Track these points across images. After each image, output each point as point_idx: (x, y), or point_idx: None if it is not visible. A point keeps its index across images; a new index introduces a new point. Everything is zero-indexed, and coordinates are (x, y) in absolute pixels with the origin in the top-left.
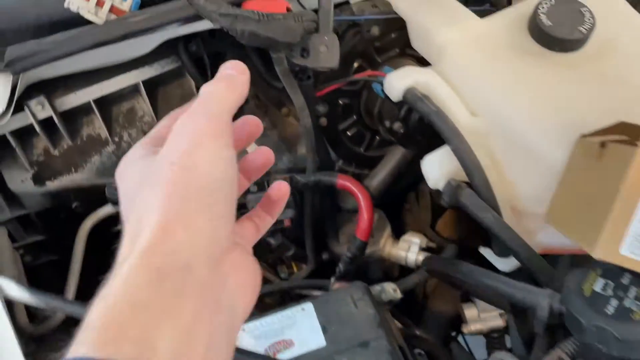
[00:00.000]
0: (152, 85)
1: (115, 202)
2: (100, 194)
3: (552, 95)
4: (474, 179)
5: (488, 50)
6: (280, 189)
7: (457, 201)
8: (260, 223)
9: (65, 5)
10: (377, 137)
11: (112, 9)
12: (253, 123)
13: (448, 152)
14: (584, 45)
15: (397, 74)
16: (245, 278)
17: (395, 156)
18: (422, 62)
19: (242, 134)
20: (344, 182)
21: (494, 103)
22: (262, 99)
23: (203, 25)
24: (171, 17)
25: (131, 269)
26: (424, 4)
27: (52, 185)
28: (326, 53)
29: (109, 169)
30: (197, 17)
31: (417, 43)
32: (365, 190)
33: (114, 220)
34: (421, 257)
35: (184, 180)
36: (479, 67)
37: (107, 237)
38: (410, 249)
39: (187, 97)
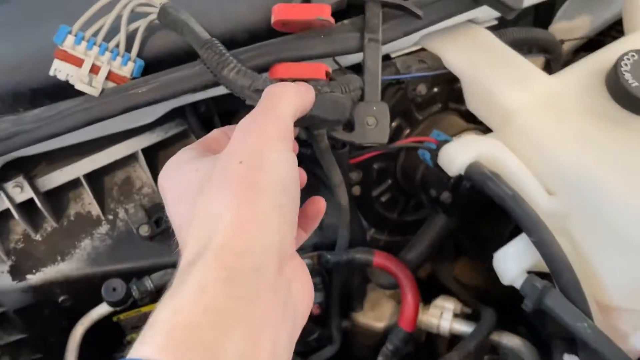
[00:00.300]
0: (151, 150)
1: (114, 304)
2: (93, 285)
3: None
4: (562, 278)
5: (563, 114)
6: (318, 205)
7: (541, 304)
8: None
9: (51, 72)
10: (412, 200)
11: (110, 76)
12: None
13: (526, 244)
14: None
15: (456, 145)
16: (305, 285)
17: (436, 225)
18: (467, 117)
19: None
20: (382, 261)
21: (575, 179)
22: None
23: (220, 90)
24: (184, 86)
25: (204, 268)
26: (484, 60)
27: (33, 278)
28: (375, 126)
29: (103, 255)
30: (215, 84)
31: (475, 105)
32: (408, 271)
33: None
34: (456, 324)
35: (254, 180)
36: (554, 136)
37: (102, 333)
38: (442, 316)
39: None
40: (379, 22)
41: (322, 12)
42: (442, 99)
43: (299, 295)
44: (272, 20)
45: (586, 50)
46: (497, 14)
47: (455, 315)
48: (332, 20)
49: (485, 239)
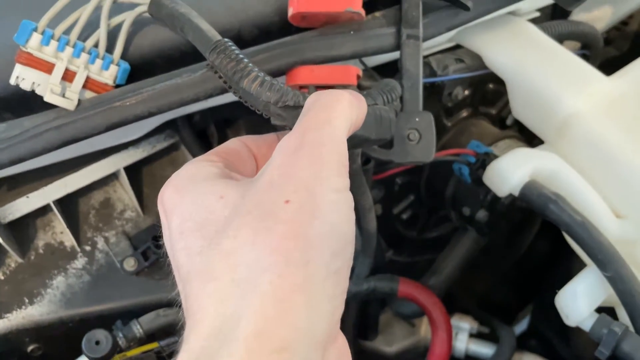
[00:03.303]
0: (133, 166)
1: None
2: (68, 331)
3: None
4: None
5: (631, 122)
6: None
7: (619, 350)
8: None
9: (12, 81)
10: (433, 216)
11: (88, 84)
12: None
13: (597, 279)
14: None
15: (508, 160)
16: None
17: (464, 245)
18: (496, 122)
19: None
20: (409, 290)
21: None
22: None
23: (225, 99)
24: (183, 96)
25: None
26: (533, 58)
27: None
28: (418, 141)
29: (80, 294)
30: (221, 91)
31: (524, 111)
32: (439, 301)
33: None
34: (472, 345)
35: (306, 231)
36: (623, 147)
37: None
38: (457, 337)
39: None
40: (419, 15)
41: (353, 3)
42: (473, 102)
43: None
44: (290, 12)
45: None
46: (539, 4)
47: (471, 336)
48: (364, 12)
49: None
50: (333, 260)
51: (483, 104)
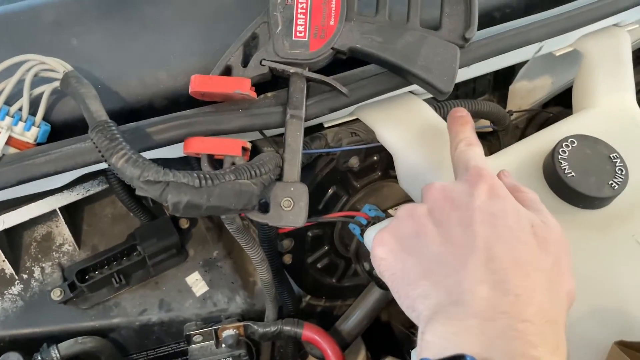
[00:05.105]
0: (75, 204)
1: None
2: (0, 349)
3: (581, 267)
4: None
5: None
6: None
7: None
8: None
9: None
10: (352, 265)
11: (12, 142)
12: None
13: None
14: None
15: (377, 227)
16: None
17: (371, 297)
18: None
19: None
20: (311, 335)
21: None
22: (215, 218)
23: None
24: (85, 159)
25: None
26: (418, 138)
27: None
28: (291, 208)
29: (12, 318)
30: None
31: (407, 184)
32: (337, 347)
33: None
34: None
35: None
36: None
37: None
38: None
39: (120, 217)
40: (303, 98)
41: (241, 86)
42: (381, 167)
43: None
44: (190, 90)
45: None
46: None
47: None
48: (253, 94)
49: None
50: None
51: (391, 168)
